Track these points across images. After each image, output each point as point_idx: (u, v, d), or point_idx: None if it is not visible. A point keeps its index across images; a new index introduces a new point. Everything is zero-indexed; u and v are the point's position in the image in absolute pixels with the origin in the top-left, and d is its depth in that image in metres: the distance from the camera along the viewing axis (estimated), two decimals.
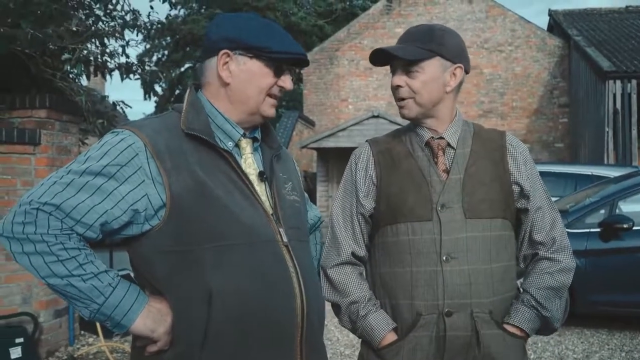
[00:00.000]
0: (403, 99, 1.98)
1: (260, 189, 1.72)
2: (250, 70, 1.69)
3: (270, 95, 1.73)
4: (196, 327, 1.55)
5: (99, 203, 1.52)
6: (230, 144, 1.71)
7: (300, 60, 1.76)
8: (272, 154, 1.81)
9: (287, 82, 1.75)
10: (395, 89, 1.99)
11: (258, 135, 1.81)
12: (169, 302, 1.58)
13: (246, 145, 1.76)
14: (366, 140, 2.14)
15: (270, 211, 1.69)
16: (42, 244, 1.47)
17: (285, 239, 1.68)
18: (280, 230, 1.68)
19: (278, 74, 1.72)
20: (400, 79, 1.97)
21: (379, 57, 2.01)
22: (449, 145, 2.01)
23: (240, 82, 1.69)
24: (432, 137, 2.01)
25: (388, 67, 2.05)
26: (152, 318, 1.55)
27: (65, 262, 1.48)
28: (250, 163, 1.74)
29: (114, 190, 1.54)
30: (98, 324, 5.59)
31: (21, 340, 5.08)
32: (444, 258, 1.90)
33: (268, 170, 1.76)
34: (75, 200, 1.50)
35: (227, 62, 1.69)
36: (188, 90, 1.75)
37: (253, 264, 1.60)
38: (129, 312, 1.53)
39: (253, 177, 1.72)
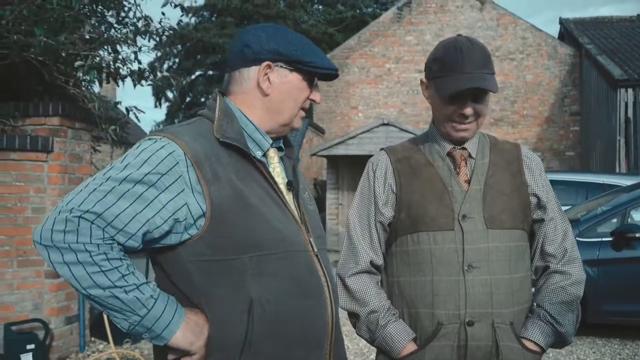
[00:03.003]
0: (466, 123, 1.95)
1: (289, 198, 1.73)
2: (291, 83, 1.71)
3: (302, 108, 1.76)
4: (236, 337, 1.54)
5: (141, 211, 1.49)
6: (259, 153, 1.71)
7: (334, 75, 1.79)
8: (292, 164, 1.82)
9: (317, 95, 1.77)
10: (462, 117, 1.94)
11: (282, 145, 1.82)
12: (206, 311, 1.56)
13: (274, 154, 1.77)
14: (382, 149, 2.14)
15: (299, 220, 1.70)
16: (85, 253, 1.44)
17: (315, 249, 1.69)
18: (311, 239, 1.69)
19: (311, 88, 1.75)
20: (471, 108, 1.93)
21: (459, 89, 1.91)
22: (470, 156, 2.02)
23: (279, 94, 1.71)
24: (454, 148, 2.01)
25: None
26: (191, 330, 1.53)
27: (108, 272, 1.45)
28: (278, 172, 1.75)
29: (155, 199, 1.51)
30: (108, 330, 5.61)
31: (32, 346, 5.10)
32: (466, 268, 1.90)
33: (294, 180, 1.78)
34: (116, 209, 1.47)
35: (267, 74, 1.70)
36: (218, 98, 1.74)
37: (290, 273, 1.60)
38: (170, 325, 1.50)
39: (282, 187, 1.73)
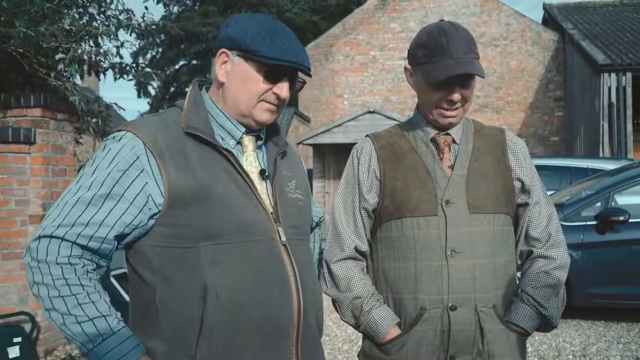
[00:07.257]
0: (454, 109, 1.95)
1: (261, 187, 1.71)
2: (241, 73, 1.67)
3: (264, 100, 1.69)
4: (191, 323, 1.55)
5: (109, 213, 1.54)
6: (232, 142, 1.71)
7: (296, 69, 1.70)
8: (277, 151, 1.80)
9: (283, 90, 1.68)
10: (450, 102, 1.93)
11: (262, 133, 1.80)
12: (162, 296, 1.57)
13: (248, 142, 1.75)
14: (367, 135, 2.14)
15: (270, 210, 1.68)
16: (48, 276, 1.50)
17: (283, 238, 1.66)
18: (279, 229, 1.67)
19: (273, 80, 1.67)
20: (459, 93, 1.91)
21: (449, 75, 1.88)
22: (453, 141, 2.02)
23: (232, 84, 1.68)
24: (438, 133, 2.01)
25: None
26: None
27: (66, 298, 1.50)
28: (251, 161, 1.74)
29: (122, 198, 1.55)
30: None
31: (19, 339, 5.07)
32: (449, 253, 1.91)
33: (271, 168, 1.75)
34: (86, 217, 1.52)
35: (225, 62, 1.68)
36: (191, 87, 1.75)
37: (249, 262, 1.59)
38: None
39: (254, 175, 1.71)
